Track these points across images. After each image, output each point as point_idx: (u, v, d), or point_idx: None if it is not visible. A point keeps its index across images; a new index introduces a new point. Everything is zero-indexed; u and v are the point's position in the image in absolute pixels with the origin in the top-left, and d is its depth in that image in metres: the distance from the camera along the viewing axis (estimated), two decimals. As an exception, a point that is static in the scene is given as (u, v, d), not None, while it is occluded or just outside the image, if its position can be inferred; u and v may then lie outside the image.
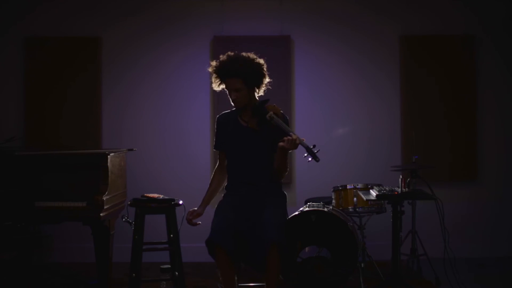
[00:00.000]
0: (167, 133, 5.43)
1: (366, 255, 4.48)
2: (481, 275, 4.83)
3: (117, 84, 5.44)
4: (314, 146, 3.36)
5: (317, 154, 3.34)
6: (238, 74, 3.49)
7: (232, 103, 3.59)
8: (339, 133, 5.43)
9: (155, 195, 3.94)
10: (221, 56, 3.60)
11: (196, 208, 3.63)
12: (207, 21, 5.44)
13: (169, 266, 3.95)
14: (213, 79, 3.64)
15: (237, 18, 5.45)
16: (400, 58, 5.46)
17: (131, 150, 4.56)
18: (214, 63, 3.61)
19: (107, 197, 3.97)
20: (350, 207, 4.39)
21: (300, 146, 3.38)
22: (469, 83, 5.44)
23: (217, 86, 3.64)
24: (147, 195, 3.94)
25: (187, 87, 5.44)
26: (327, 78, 5.49)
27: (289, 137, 3.34)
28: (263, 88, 3.64)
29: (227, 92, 3.58)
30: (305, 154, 3.36)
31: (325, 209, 4.17)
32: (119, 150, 4.44)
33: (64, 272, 4.90)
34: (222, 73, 3.55)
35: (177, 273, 3.87)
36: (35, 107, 5.35)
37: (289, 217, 3.99)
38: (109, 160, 4.07)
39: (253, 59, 3.58)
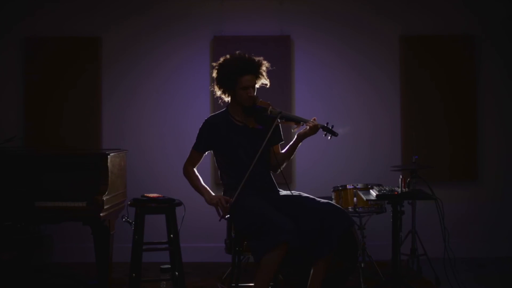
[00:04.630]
0: (167, 133, 5.43)
1: (366, 255, 4.47)
2: (481, 275, 4.83)
3: (118, 84, 5.44)
4: (327, 123, 3.52)
5: (333, 129, 3.51)
6: (259, 72, 3.59)
7: (244, 101, 3.57)
8: (339, 133, 5.41)
9: (155, 195, 3.94)
10: (236, 53, 3.63)
11: (219, 195, 3.52)
12: (207, 21, 5.44)
13: (169, 266, 3.95)
14: (221, 75, 3.58)
15: (237, 18, 5.45)
16: (400, 58, 5.46)
17: (124, 151, 4.55)
18: (231, 57, 3.60)
19: (107, 197, 3.97)
20: (350, 207, 4.39)
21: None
22: (469, 83, 5.44)
23: (226, 83, 3.58)
24: (147, 195, 3.94)
25: (187, 87, 5.44)
26: (327, 78, 5.48)
27: (310, 124, 3.48)
28: None
29: (241, 89, 3.54)
30: (324, 134, 3.53)
31: (325, 209, 4.16)
32: (119, 150, 4.44)
33: (64, 272, 4.90)
34: (246, 69, 3.54)
35: (177, 273, 3.88)
36: (35, 107, 5.35)
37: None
38: (109, 160, 4.08)
39: None
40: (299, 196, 3.55)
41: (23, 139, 5.24)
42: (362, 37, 5.48)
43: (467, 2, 5.50)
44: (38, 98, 5.35)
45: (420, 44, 5.44)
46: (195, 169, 3.72)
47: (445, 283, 4.20)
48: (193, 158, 3.72)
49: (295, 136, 3.58)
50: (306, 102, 5.44)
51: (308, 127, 3.50)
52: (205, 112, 5.37)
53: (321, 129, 3.54)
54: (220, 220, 3.52)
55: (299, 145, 3.62)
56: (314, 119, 3.53)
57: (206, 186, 3.67)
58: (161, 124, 5.44)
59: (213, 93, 3.71)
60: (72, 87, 5.36)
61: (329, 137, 3.55)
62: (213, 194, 3.61)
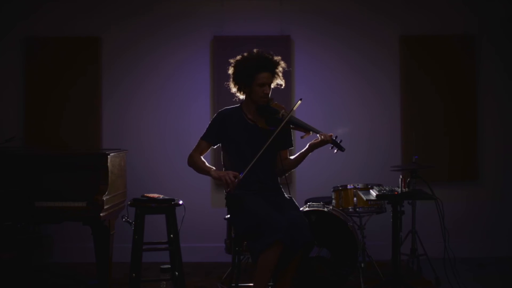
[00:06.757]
0: (167, 133, 5.43)
1: (366, 255, 4.48)
2: (481, 275, 4.82)
3: (118, 84, 5.44)
4: (336, 137, 3.52)
5: (341, 144, 3.51)
6: (275, 70, 3.60)
7: (258, 99, 3.57)
8: (339, 133, 5.42)
9: (155, 195, 3.94)
10: (254, 50, 3.63)
11: (227, 171, 3.51)
12: (207, 22, 5.44)
13: (169, 266, 3.95)
14: (238, 70, 3.58)
15: (237, 18, 5.45)
16: (400, 58, 5.46)
17: (124, 151, 4.55)
18: (249, 54, 3.60)
19: (107, 197, 3.97)
20: (350, 207, 4.39)
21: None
22: (469, 82, 5.44)
23: (242, 79, 3.57)
24: (147, 195, 3.94)
25: (187, 87, 5.44)
26: (327, 78, 5.49)
27: (321, 137, 3.48)
28: None
29: (257, 85, 3.54)
30: (331, 147, 3.53)
31: (325, 209, 4.17)
32: (119, 150, 4.44)
33: (64, 272, 4.90)
34: (264, 66, 3.54)
35: (177, 273, 3.88)
36: (35, 107, 5.35)
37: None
38: (109, 160, 4.08)
39: None
40: (286, 201, 3.57)
41: (23, 139, 5.25)
42: (362, 37, 5.48)
43: (467, 2, 5.50)
44: (38, 98, 5.35)
45: (420, 44, 5.44)
46: (199, 158, 3.72)
47: (445, 283, 4.20)
48: (201, 149, 3.72)
49: (307, 145, 3.58)
50: (306, 102, 5.37)
51: (319, 139, 3.50)
52: (205, 112, 5.37)
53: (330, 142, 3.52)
54: (225, 194, 3.57)
55: (309, 154, 3.62)
56: (331, 135, 3.51)
57: (211, 166, 3.69)
58: (161, 124, 5.44)
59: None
60: (72, 87, 5.36)
61: (335, 151, 3.54)
62: (216, 170, 3.63)
